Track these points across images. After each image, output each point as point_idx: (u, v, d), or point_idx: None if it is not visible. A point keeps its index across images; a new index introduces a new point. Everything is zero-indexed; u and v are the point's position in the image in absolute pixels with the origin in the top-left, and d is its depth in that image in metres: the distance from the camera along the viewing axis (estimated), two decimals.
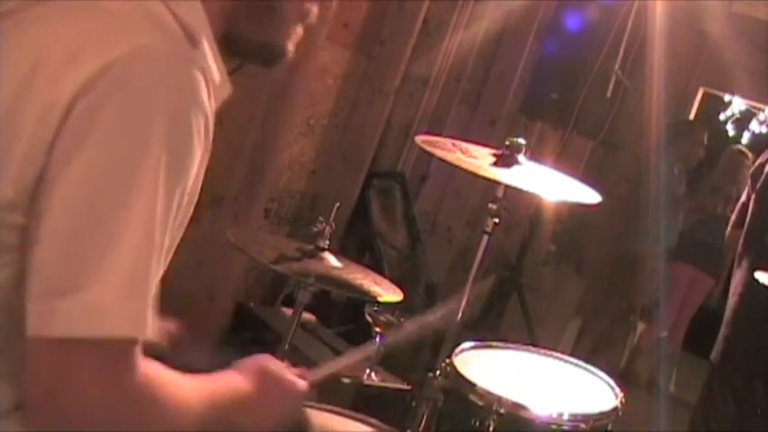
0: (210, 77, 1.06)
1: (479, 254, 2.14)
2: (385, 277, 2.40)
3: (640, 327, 5.80)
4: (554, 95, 4.67)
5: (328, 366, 1.60)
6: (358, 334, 3.23)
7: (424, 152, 2.24)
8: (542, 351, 2.32)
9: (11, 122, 0.98)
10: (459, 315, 2.11)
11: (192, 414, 1.09)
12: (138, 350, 0.99)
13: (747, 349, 3.37)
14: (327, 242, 2.28)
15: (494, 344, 2.26)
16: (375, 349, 2.44)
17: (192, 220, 1.11)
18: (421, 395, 2.08)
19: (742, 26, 5.29)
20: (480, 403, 1.95)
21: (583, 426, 1.97)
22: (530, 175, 2.11)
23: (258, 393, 1.26)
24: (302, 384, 1.37)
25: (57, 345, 0.94)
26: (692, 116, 6.30)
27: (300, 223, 3.88)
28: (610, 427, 2.03)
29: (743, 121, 6.89)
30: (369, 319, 2.63)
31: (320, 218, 2.29)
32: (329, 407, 2.10)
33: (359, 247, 4.29)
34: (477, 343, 2.21)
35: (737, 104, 6.83)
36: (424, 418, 2.06)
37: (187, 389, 1.10)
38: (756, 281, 2.90)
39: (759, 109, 6.79)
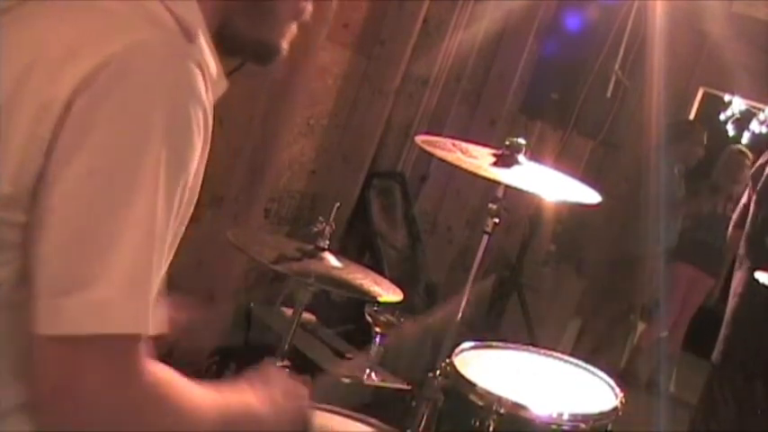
0: (208, 72, 1.06)
1: (479, 254, 2.14)
2: (385, 277, 2.40)
3: (640, 327, 5.80)
4: (554, 95, 4.67)
5: None
6: (358, 334, 3.24)
7: (424, 152, 2.24)
8: (542, 351, 2.32)
9: (8, 119, 0.98)
10: (459, 315, 2.11)
11: (200, 418, 1.09)
12: (143, 347, 0.99)
13: (748, 349, 3.37)
14: (327, 242, 2.28)
15: (494, 344, 2.26)
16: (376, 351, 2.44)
17: (191, 219, 1.11)
18: (421, 395, 2.08)
19: (742, 26, 5.29)
20: (480, 403, 1.95)
21: (583, 426, 1.97)
22: (530, 175, 2.11)
23: (266, 406, 1.26)
24: (306, 393, 1.37)
25: (64, 342, 0.94)
26: (692, 116, 6.29)
27: (300, 223, 3.88)
28: (610, 427, 2.03)
29: (743, 121, 6.89)
30: (369, 319, 2.63)
31: (320, 218, 2.29)
32: (329, 407, 2.11)
33: (359, 247, 4.29)
34: (477, 343, 2.21)
35: (737, 104, 6.83)
36: (424, 418, 2.06)
37: (197, 394, 1.10)
38: (756, 281, 2.91)
39: (759, 109, 6.79)
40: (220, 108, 1.12)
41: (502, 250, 4.96)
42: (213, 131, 1.07)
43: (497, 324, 4.97)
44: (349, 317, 3.63)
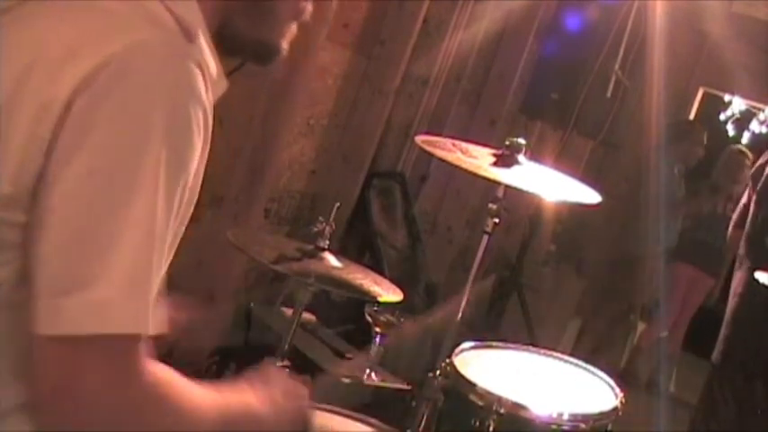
0: (207, 71, 1.06)
1: (479, 254, 2.14)
2: (385, 277, 2.40)
3: (640, 327, 5.80)
4: (554, 95, 4.67)
5: None
6: (358, 334, 3.24)
7: (424, 152, 2.24)
8: (542, 351, 2.32)
9: (8, 119, 0.98)
10: (459, 315, 2.11)
11: (200, 418, 1.09)
12: (143, 347, 0.99)
13: (748, 349, 3.37)
14: (327, 242, 2.28)
15: (494, 344, 2.26)
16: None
17: (191, 219, 1.11)
18: (421, 395, 2.08)
19: (742, 26, 5.29)
20: (480, 403, 1.95)
21: (583, 426, 1.97)
22: (530, 175, 2.11)
23: (266, 406, 1.26)
24: (306, 393, 1.37)
25: (64, 342, 0.94)
26: (692, 116, 6.29)
27: (300, 223, 3.88)
28: (610, 427, 2.03)
29: (743, 121, 6.89)
30: (369, 319, 2.64)
31: (320, 218, 2.29)
32: (329, 407, 2.11)
33: (359, 247, 4.29)
34: (477, 343, 2.21)
35: (737, 104, 6.82)
36: (424, 418, 2.06)
37: (197, 394, 1.09)
38: (757, 281, 2.91)
39: (759, 109, 6.78)
40: (220, 108, 1.12)
41: (502, 250, 4.96)
42: (213, 131, 1.07)
43: (497, 324, 4.97)
44: (349, 317, 3.63)
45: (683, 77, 5.73)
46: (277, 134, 3.53)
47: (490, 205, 2.14)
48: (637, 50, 4.76)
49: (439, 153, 2.13)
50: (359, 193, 4.19)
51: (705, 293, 5.49)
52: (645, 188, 5.10)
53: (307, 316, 3.26)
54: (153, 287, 0.98)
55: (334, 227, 2.29)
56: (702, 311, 5.51)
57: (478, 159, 2.12)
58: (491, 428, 1.93)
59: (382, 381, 2.81)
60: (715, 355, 3.47)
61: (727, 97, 6.78)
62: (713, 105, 6.82)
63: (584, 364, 2.25)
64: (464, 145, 2.19)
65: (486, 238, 2.14)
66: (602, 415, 2.01)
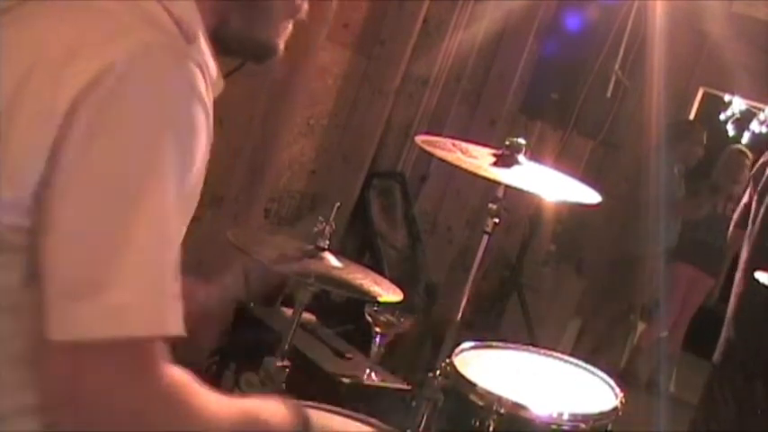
0: (207, 72, 1.06)
1: (479, 254, 2.14)
2: (385, 277, 2.40)
3: (640, 327, 5.80)
4: (554, 95, 4.67)
5: None
6: (358, 334, 3.24)
7: (424, 152, 2.24)
8: (542, 351, 2.32)
9: (9, 122, 0.98)
10: (459, 315, 2.11)
11: (215, 422, 1.08)
12: (160, 350, 0.98)
13: (748, 350, 3.37)
14: (327, 242, 2.28)
15: (494, 344, 2.26)
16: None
17: (191, 219, 1.12)
18: (421, 395, 2.08)
19: (742, 26, 5.29)
20: (480, 403, 1.95)
21: (583, 426, 1.97)
22: (530, 175, 2.11)
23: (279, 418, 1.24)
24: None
25: (79, 348, 0.94)
26: (692, 116, 6.29)
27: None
28: (610, 427, 2.03)
29: (743, 121, 6.88)
30: (369, 319, 2.63)
31: (320, 218, 2.29)
32: (329, 407, 2.10)
33: (359, 247, 4.29)
34: (477, 343, 2.21)
35: (737, 104, 6.82)
36: (424, 418, 2.06)
37: (212, 399, 1.09)
38: (757, 281, 2.90)
39: (759, 109, 6.78)
40: (220, 108, 1.12)
41: (502, 250, 4.96)
42: (213, 131, 1.07)
43: (497, 324, 4.97)
44: (349, 317, 3.63)
45: (683, 77, 5.73)
46: (277, 134, 3.54)
47: (490, 205, 2.13)
48: (637, 50, 4.76)
49: (439, 153, 2.13)
50: (359, 193, 4.19)
51: (705, 293, 5.49)
52: (645, 188, 5.10)
53: (307, 316, 3.26)
54: (169, 288, 0.98)
55: (334, 227, 2.29)
56: (702, 311, 5.51)
57: (478, 159, 2.12)
58: (491, 428, 1.93)
59: (382, 381, 2.81)
60: (715, 355, 3.47)
61: (727, 97, 6.78)
62: (713, 105, 6.82)
63: (584, 364, 2.25)
64: (464, 145, 2.19)
65: (486, 238, 2.14)
66: (602, 415, 2.01)
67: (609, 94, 4.78)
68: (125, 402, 0.97)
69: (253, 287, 2.93)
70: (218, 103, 1.11)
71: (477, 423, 1.94)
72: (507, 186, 2.07)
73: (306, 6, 1.21)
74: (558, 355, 2.30)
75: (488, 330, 4.54)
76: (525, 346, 2.33)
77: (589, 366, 2.24)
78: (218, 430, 1.09)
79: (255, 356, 2.29)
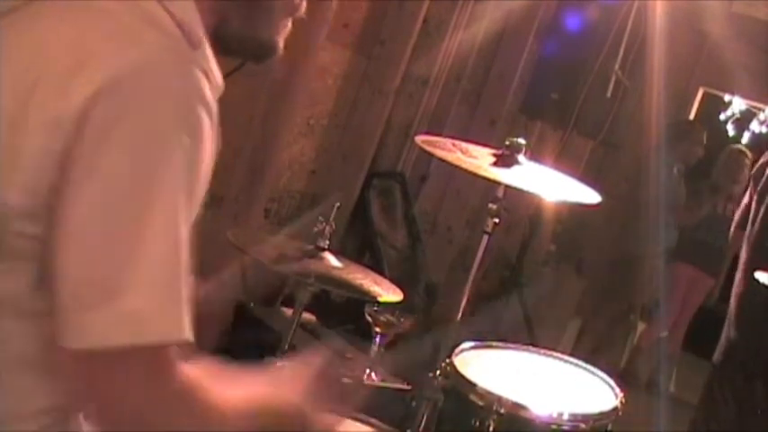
0: (211, 74, 1.07)
1: (479, 254, 2.14)
2: (385, 277, 2.40)
3: (640, 327, 5.80)
4: (554, 95, 4.67)
5: None
6: (358, 334, 3.24)
7: (424, 152, 2.24)
8: (542, 351, 2.32)
9: (17, 130, 0.98)
10: (460, 315, 2.11)
11: (231, 422, 1.09)
12: (174, 353, 0.99)
13: (748, 350, 3.37)
14: (327, 242, 2.28)
15: (494, 344, 2.26)
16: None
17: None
18: (421, 395, 2.08)
19: (742, 26, 5.29)
20: (480, 403, 1.95)
21: (583, 426, 1.97)
22: (530, 175, 2.11)
23: (304, 399, 1.24)
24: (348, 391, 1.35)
25: (92, 356, 0.96)
26: (691, 116, 6.29)
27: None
28: (610, 427, 2.03)
29: (743, 121, 6.88)
30: (369, 319, 2.63)
31: (320, 218, 2.29)
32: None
33: (359, 247, 4.29)
34: (477, 343, 2.21)
35: (737, 104, 6.82)
36: (424, 418, 2.06)
37: (229, 397, 1.10)
38: (757, 281, 2.90)
39: (759, 109, 6.78)
40: (220, 108, 1.12)
41: (502, 250, 4.96)
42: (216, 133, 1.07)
43: (497, 324, 4.96)
44: (349, 317, 3.63)
45: (683, 77, 5.72)
46: (277, 134, 3.54)
47: (490, 205, 2.14)
48: (637, 50, 4.75)
49: (439, 153, 2.13)
50: (359, 193, 4.19)
51: (705, 293, 5.49)
52: (645, 188, 5.10)
53: (307, 316, 3.26)
54: (182, 293, 0.99)
55: (334, 227, 2.29)
56: (702, 311, 5.50)
57: (478, 159, 2.12)
58: (491, 428, 1.93)
59: (382, 381, 2.81)
60: (715, 355, 3.47)
61: (727, 97, 6.78)
62: (713, 105, 6.82)
63: (584, 364, 2.25)
64: (464, 145, 2.19)
65: (486, 238, 2.14)
66: (602, 415, 2.01)
67: (609, 94, 4.78)
68: (141, 406, 0.99)
69: (250, 286, 2.93)
70: (218, 103, 1.11)
71: (477, 423, 1.94)
72: (507, 186, 2.07)
73: (305, 4, 1.21)
74: (558, 355, 2.31)
75: (488, 330, 4.54)
76: (525, 346, 2.33)
77: (589, 366, 2.24)
78: (236, 427, 1.10)
79: (255, 356, 2.29)
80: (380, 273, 2.49)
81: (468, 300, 2.12)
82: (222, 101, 1.14)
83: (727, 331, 3.45)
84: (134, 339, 0.95)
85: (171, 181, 0.97)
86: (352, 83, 4.02)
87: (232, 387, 1.11)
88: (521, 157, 2.13)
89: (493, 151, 2.17)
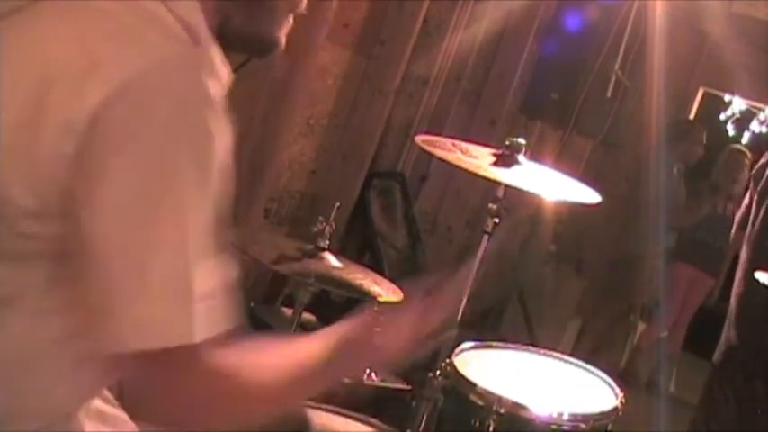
0: (216, 71, 1.08)
1: (479, 254, 2.14)
2: (385, 277, 2.40)
3: (640, 327, 5.80)
4: (554, 95, 4.67)
5: None
6: None
7: (424, 152, 2.24)
8: (542, 351, 2.32)
9: (24, 130, 0.98)
10: (460, 315, 2.11)
11: (271, 392, 1.13)
12: (198, 348, 1.00)
13: (748, 350, 3.37)
14: (327, 242, 2.28)
15: (494, 344, 2.26)
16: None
17: None
18: (421, 395, 2.08)
19: (742, 26, 5.29)
20: (480, 403, 1.96)
21: (583, 426, 1.97)
22: (530, 175, 2.11)
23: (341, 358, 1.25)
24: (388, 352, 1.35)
25: (118, 359, 0.99)
26: (692, 116, 6.29)
27: (300, 223, 3.88)
28: (610, 427, 2.04)
29: (743, 121, 6.88)
30: None
31: (320, 218, 2.29)
32: (329, 407, 2.11)
33: (359, 247, 4.29)
34: (477, 343, 2.21)
35: (737, 104, 6.81)
36: (424, 418, 2.06)
37: (268, 375, 1.12)
38: (757, 281, 2.90)
39: (759, 109, 6.77)
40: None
41: (502, 250, 4.95)
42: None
43: (497, 324, 4.97)
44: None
45: (683, 77, 5.72)
46: (277, 134, 3.53)
47: (490, 205, 2.14)
48: (637, 50, 4.76)
49: (439, 153, 2.13)
50: (359, 193, 4.19)
51: (705, 293, 5.49)
52: (645, 188, 5.10)
53: (307, 316, 3.26)
54: (196, 294, 0.99)
55: (334, 227, 2.29)
56: (702, 311, 5.50)
57: (478, 159, 2.12)
58: (491, 428, 1.93)
59: (382, 381, 2.81)
60: (715, 355, 3.47)
61: (727, 97, 6.77)
62: (713, 105, 6.82)
63: (584, 364, 2.25)
64: (464, 145, 2.19)
65: (486, 238, 2.14)
66: (602, 415, 2.01)
67: (609, 94, 4.78)
68: (172, 402, 1.03)
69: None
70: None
71: (477, 423, 1.95)
72: (507, 186, 2.07)
73: (306, 1, 1.22)
74: (558, 355, 2.31)
75: (488, 330, 4.54)
76: (525, 346, 2.33)
77: (589, 366, 2.24)
78: (279, 403, 1.16)
79: None
80: (380, 273, 2.49)
81: (467, 300, 2.12)
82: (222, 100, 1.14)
83: (728, 331, 3.45)
84: (146, 345, 0.97)
85: (179, 188, 0.98)
86: (352, 83, 4.02)
87: (274, 359, 1.14)
88: (521, 157, 2.13)
89: (493, 151, 2.18)
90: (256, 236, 2.82)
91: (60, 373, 1.07)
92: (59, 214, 0.98)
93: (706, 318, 5.02)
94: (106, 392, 1.27)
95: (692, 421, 3.61)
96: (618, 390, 2.12)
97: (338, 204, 2.33)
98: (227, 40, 1.15)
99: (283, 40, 1.22)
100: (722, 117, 6.86)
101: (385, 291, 2.27)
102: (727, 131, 6.83)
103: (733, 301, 3.48)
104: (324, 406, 2.08)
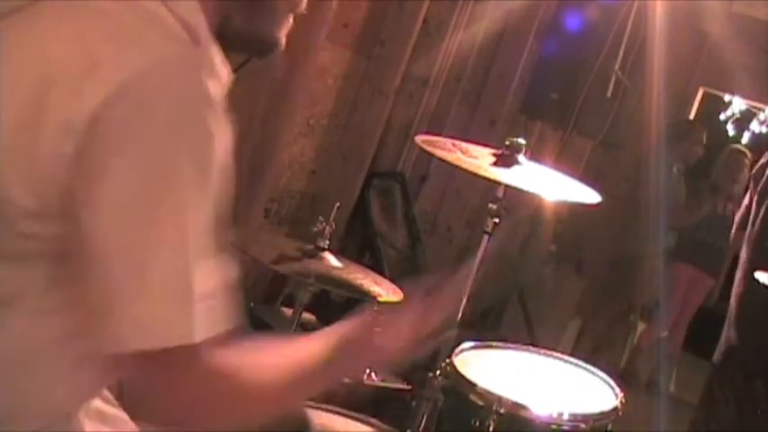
0: (216, 71, 1.09)
1: (479, 254, 2.14)
2: (385, 277, 2.40)
3: (640, 327, 5.80)
4: (554, 95, 4.67)
5: None
6: None
7: (424, 152, 2.24)
8: (542, 351, 2.32)
9: (23, 130, 0.98)
10: (460, 315, 2.11)
11: (272, 392, 1.13)
12: (197, 350, 1.00)
13: (748, 350, 3.37)
14: (327, 242, 2.28)
15: (494, 344, 2.26)
16: None
17: None
18: (421, 395, 2.08)
19: (742, 26, 5.29)
20: (480, 403, 1.96)
21: (583, 426, 1.97)
22: (530, 175, 2.11)
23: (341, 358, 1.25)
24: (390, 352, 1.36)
25: (118, 359, 1.00)
26: (692, 116, 6.29)
27: (300, 223, 3.88)
28: (610, 427, 2.04)
29: (743, 121, 6.88)
30: None
31: (320, 218, 2.29)
32: (329, 407, 2.11)
33: (359, 247, 4.29)
34: (477, 343, 2.21)
35: (737, 104, 6.81)
36: (424, 418, 2.06)
37: (262, 369, 1.12)
38: (757, 281, 2.90)
39: (759, 109, 6.78)
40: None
41: (502, 250, 4.95)
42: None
43: (497, 324, 4.97)
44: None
45: (683, 77, 5.72)
46: (277, 134, 3.53)
47: (490, 205, 2.14)
48: (637, 50, 4.76)
49: (439, 153, 2.13)
50: (359, 193, 4.19)
51: (705, 293, 5.49)
52: (645, 188, 5.10)
53: (307, 316, 3.26)
54: (196, 294, 0.99)
55: (334, 227, 2.29)
56: (702, 311, 5.50)
57: (478, 159, 2.12)
58: (491, 428, 1.93)
59: (382, 381, 2.81)
60: (715, 355, 3.47)
61: (727, 97, 6.77)
62: (713, 105, 6.82)
63: (584, 364, 2.25)
64: (464, 145, 2.19)
65: (486, 238, 2.14)
66: (602, 415, 2.01)
67: (609, 94, 4.78)
68: (172, 402, 1.04)
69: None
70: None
71: (477, 423, 1.95)
72: (507, 186, 2.08)
73: (306, 1, 1.22)
74: (558, 355, 2.31)
75: (488, 330, 4.54)
76: (525, 346, 2.33)
77: (589, 366, 2.24)
78: (279, 402, 1.16)
79: None
80: (380, 273, 2.49)
81: (467, 300, 2.12)
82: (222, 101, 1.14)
83: (727, 331, 3.45)
84: (145, 345, 0.97)
85: (179, 188, 0.98)
86: (352, 83, 4.02)
87: (274, 359, 1.14)
88: (521, 157, 2.13)
89: (493, 151, 2.18)
90: (256, 236, 2.82)
91: (60, 373, 1.07)
92: (59, 214, 0.98)
93: (706, 318, 5.02)
94: (106, 392, 1.27)
95: (692, 421, 3.61)
96: (618, 390, 2.12)
97: (338, 204, 2.33)
98: (227, 40, 1.15)
99: (283, 40, 1.22)
100: (722, 117, 6.86)
101: (385, 291, 2.27)
102: (727, 131, 6.83)
103: (733, 301, 3.48)
104: (324, 406, 2.08)
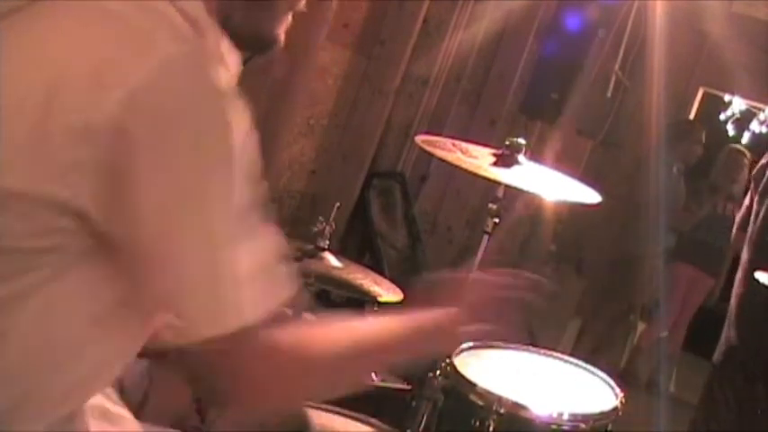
0: (225, 62, 1.11)
1: (479, 254, 2.14)
2: (385, 277, 2.40)
3: (640, 327, 5.80)
4: (554, 95, 4.67)
5: None
6: None
7: (424, 152, 2.24)
8: (542, 351, 2.32)
9: (34, 135, 0.97)
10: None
11: (337, 363, 1.15)
12: (254, 331, 1.03)
13: (748, 350, 3.37)
14: (327, 242, 2.28)
15: (494, 344, 2.26)
16: None
17: None
18: (421, 395, 2.08)
19: (742, 26, 5.29)
20: (480, 403, 1.95)
21: (583, 426, 1.97)
22: (530, 175, 2.11)
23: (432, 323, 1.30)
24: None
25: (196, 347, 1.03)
26: (692, 116, 6.29)
27: (300, 223, 3.88)
28: (610, 427, 2.03)
29: (743, 121, 6.88)
30: None
31: (320, 218, 2.29)
32: (329, 407, 2.10)
33: (359, 247, 4.29)
34: (477, 343, 2.21)
35: (737, 104, 6.82)
36: (424, 418, 2.06)
37: (324, 341, 1.14)
38: (757, 281, 2.90)
39: (759, 109, 6.78)
40: None
41: (502, 250, 4.95)
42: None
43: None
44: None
45: (683, 77, 5.73)
46: (277, 134, 3.54)
47: (490, 205, 2.14)
48: (637, 50, 4.76)
49: (439, 153, 2.13)
50: (359, 193, 4.19)
51: (705, 293, 5.48)
52: (645, 188, 5.10)
53: (307, 316, 3.26)
54: (229, 287, 1.02)
55: (334, 227, 2.29)
56: (702, 311, 5.50)
57: (478, 159, 2.12)
58: (491, 428, 1.93)
59: (382, 381, 2.80)
60: (716, 355, 3.47)
61: (727, 97, 6.78)
62: (713, 105, 6.82)
63: (584, 364, 2.25)
64: (464, 145, 2.19)
65: (486, 238, 2.14)
66: (602, 415, 2.01)
67: (609, 94, 4.78)
68: (243, 386, 1.07)
69: None
70: None
71: (477, 423, 1.94)
72: (507, 186, 2.07)
73: None
74: (558, 355, 2.31)
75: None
76: (525, 346, 2.33)
77: (589, 366, 2.24)
78: (346, 374, 1.19)
79: None
80: (380, 273, 2.49)
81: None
82: None
83: (728, 331, 3.45)
84: (189, 340, 1.01)
85: (205, 185, 1.00)
86: (352, 83, 4.02)
87: (335, 332, 1.17)
88: (521, 157, 2.13)
89: (493, 151, 2.17)
90: None
91: (69, 374, 1.07)
92: (72, 213, 0.98)
93: (706, 318, 5.02)
94: (109, 391, 1.27)
95: (692, 421, 3.61)
96: (618, 390, 2.12)
97: (338, 204, 2.33)
98: (227, 38, 1.16)
99: (282, 38, 1.23)
100: (722, 117, 6.87)
101: (385, 291, 2.27)
102: (727, 131, 6.83)
103: (733, 301, 3.48)
104: (324, 406, 2.07)
